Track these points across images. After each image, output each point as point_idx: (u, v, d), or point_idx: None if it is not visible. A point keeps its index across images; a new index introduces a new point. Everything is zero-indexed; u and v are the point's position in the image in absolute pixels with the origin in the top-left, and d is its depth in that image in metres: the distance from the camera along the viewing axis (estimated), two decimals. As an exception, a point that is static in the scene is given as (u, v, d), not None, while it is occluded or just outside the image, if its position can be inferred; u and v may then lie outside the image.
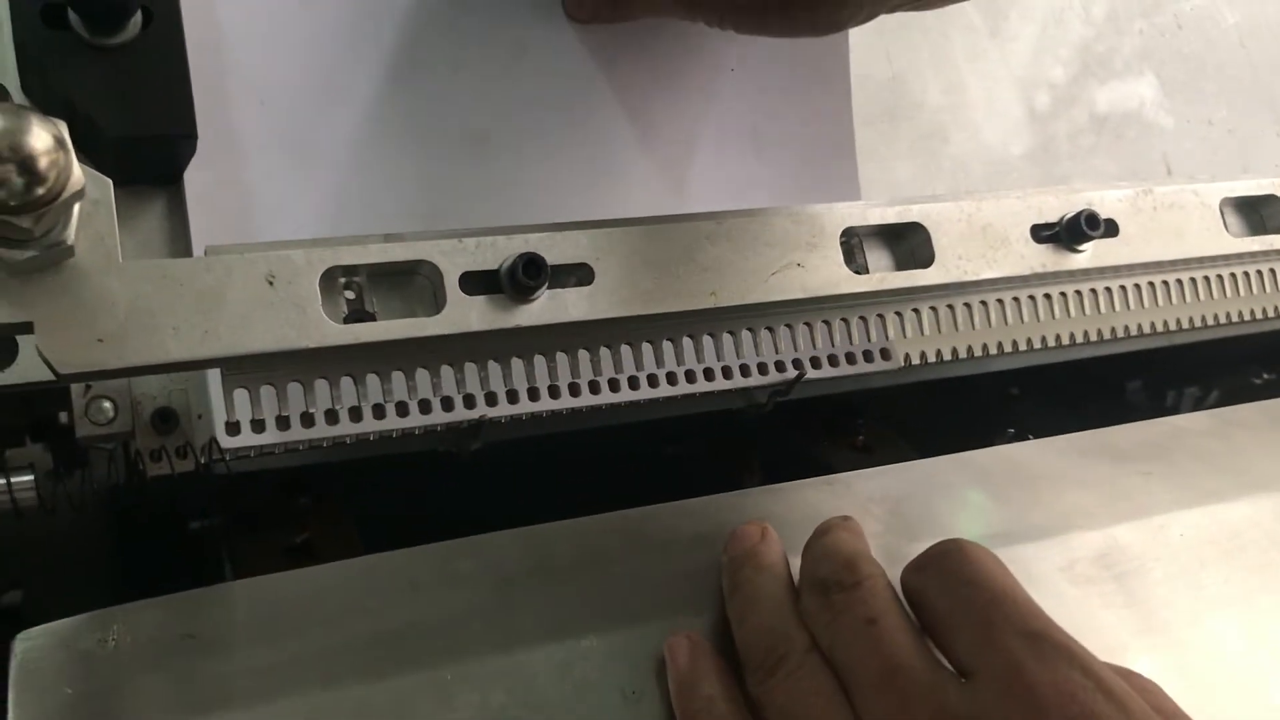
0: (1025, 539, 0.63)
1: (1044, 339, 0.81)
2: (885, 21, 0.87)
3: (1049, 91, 0.90)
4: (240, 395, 0.60)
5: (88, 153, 0.57)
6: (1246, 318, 0.88)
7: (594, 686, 0.52)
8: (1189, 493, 0.69)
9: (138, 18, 0.61)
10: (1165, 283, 0.82)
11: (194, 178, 0.66)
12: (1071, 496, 0.68)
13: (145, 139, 0.61)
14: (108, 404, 0.62)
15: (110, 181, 0.54)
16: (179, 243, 0.66)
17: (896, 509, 0.65)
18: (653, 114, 0.77)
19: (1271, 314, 0.89)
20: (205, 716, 0.49)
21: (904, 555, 0.61)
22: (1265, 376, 1.11)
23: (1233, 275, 0.85)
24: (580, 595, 0.57)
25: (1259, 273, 0.86)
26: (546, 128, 0.74)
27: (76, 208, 0.51)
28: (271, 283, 0.56)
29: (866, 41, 0.85)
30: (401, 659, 0.52)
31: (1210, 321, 0.87)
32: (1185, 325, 0.86)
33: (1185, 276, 0.83)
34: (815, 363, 0.75)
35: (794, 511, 0.63)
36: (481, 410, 0.67)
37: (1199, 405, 1.11)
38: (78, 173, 0.49)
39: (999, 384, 1.12)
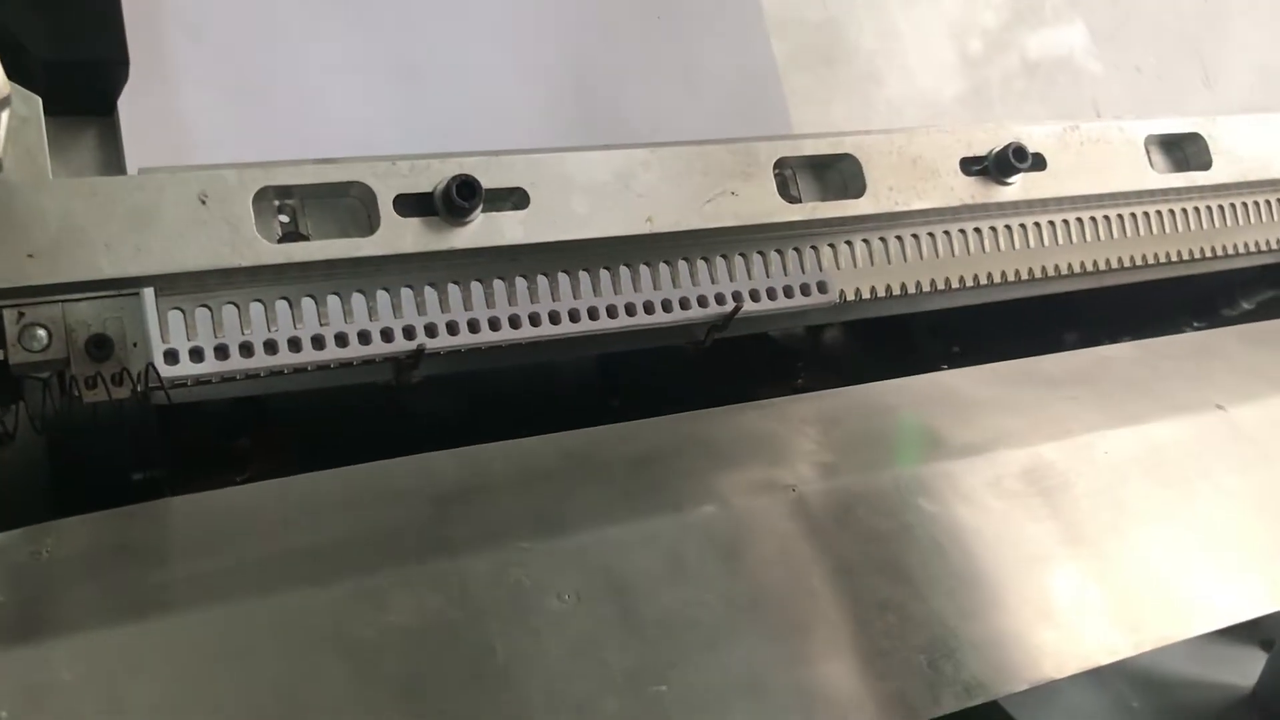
0: (953, 456, 0.65)
1: (976, 277, 0.82)
2: (820, -34, 0.89)
3: (981, 37, 0.91)
4: (175, 317, 0.60)
5: (18, 80, 0.57)
6: (1174, 259, 0.91)
7: (527, 591, 0.53)
8: (1114, 415, 0.71)
9: (67, -58, 0.61)
10: (1093, 219, 0.84)
11: (128, 109, 0.66)
12: (999, 418, 0.69)
13: (76, 63, 0.61)
14: (42, 331, 0.61)
15: (39, 98, 0.54)
16: (113, 172, 0.65)
17: (828, 430, 0.66)
18: (587, 53, 0.78)
19: (1197, 255, 0.92)
20: (137, 622, 0.49)
21: (835, 472, 0.62)
22: (1195, 325, 1.14)
23: (1158, 213, 0.87)
24: (516, 508, 0.58)
25: (1183, 211, 0.88)
26: (481, 62, 0.74)
27: (4, 121, 0.51)
28: (204, 201, 0.56)
29: (801, -14, 0.86)
30: (337, 567, 0.53)
31: (1138, 262, 0.89)
32: (1114, 265, 0.88)
33: (1113, 213, 0.85)
34: (754, 296, 0.75)
35: (728, 432, 0.64)
36: (421, 340, 0.67)
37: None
38: (2, 81, 0.49)
39: (942, 342, 1.14)
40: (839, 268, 0.76)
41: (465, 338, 0.68)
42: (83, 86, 0.63)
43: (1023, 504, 0.63)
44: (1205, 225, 0.89)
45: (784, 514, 0.58)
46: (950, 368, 1.00)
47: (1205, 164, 0.85)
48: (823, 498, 0.60)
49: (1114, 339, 1.14)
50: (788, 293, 0.77)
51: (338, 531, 0.55)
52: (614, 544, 0.56)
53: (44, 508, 0.79)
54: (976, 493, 0.63)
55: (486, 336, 0.68)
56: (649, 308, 0.72)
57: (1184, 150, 0.85)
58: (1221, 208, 0.90)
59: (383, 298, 0.64)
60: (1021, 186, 0.76)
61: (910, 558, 0.59)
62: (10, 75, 0.50)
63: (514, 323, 0.69)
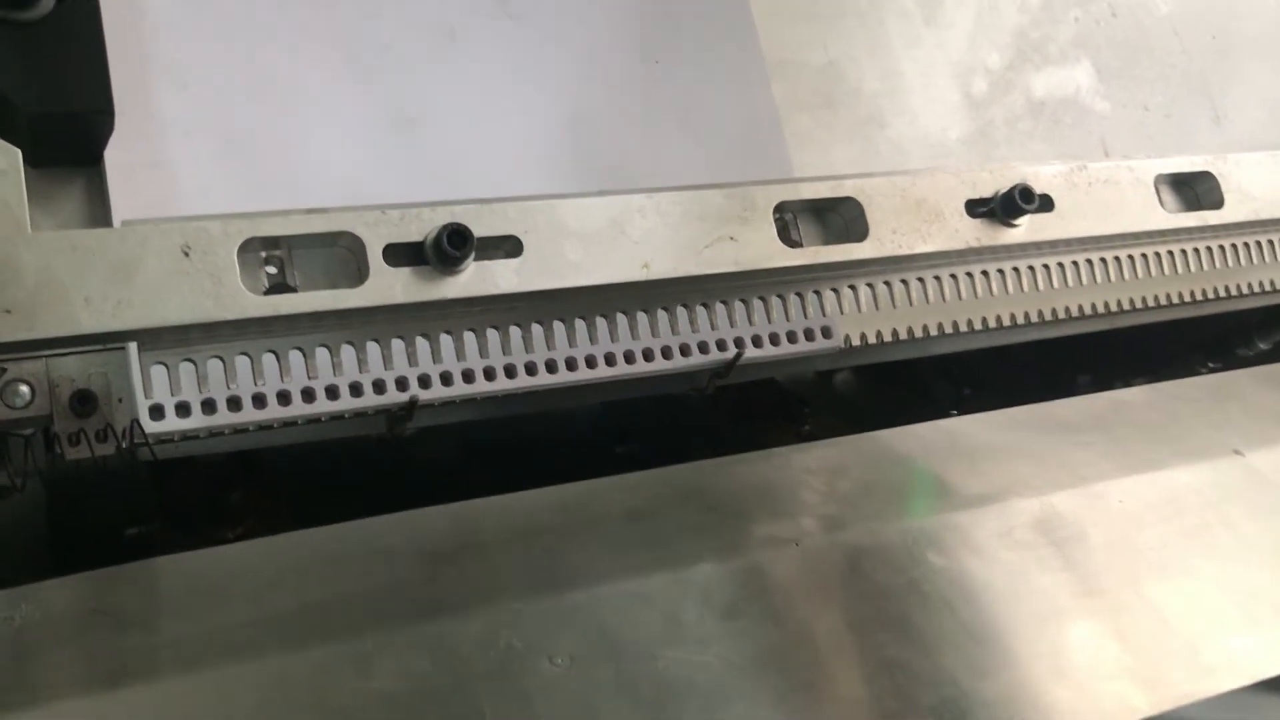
0: (962, 507, 0.63)
1: (984, 320, 0.81)
2: (820, 8, 0.88)
3: (985, 77, 0.90)
4: (158, 372, 0.59)
5: (3, 133, 0.56)
6: (1186, 299, 0.89)
7: (519, 654, 0.51)
8: (1128, 461, 0.69)
9: (53, -7, 0.60)
10: (1103, 260, 0.82)
11: (115, 161, 0.65)
12: (1010, 466, 0.67)
13: (61, 115, 0.60)
14: (24, 387, 0.60)
15: (19, 151, 0.53)
16: (100, 224, 0.64)
17: (833, 481, 0.64)
18: (583, 100, 0.77)
19: (1210, 295, 0.90)
20: (110, 690, 0.47)
21: (841, 524, 0.60)
22: (1210, 366, 1.12)
23: (1170, 253, 0.85)
24: (508, 566, 0.56)
25: (1195, 250, 0.86)
26: (476, 111, 0.73)
27: (-19, 174, 0.50)
28: (187, 254, 0.55)
29: (802, 28, 0.85)
30: (322, 630, 0.51)
31: (1150, 303, 0.87)
32: (1125, 306, 0.86)
33: (1123, 254, 0.83)
34: (756, 341, 0.74)
35: (733, 482, 0.63)
36: (414, 392, 0.65)
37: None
38: (-21, 134, 0.48)
39: (953, 387, 1.13)
40: (843, 312, 0.74)
41: (459, 388, 0.66)
42: (68, 138, 0.62)
43: (1035, 556, 0.61)
44: (1218, 265, 0.87)
45: (787, 570, 0.56)
46: (960, 411, 0.98)
47: (1217, 202, 0.83)
48: (827, 552, 0.58)
49: (1128, 381, 1.12)
50: (791, 338, 0.75)
51: (324, 592, 0.53)
52: (609, 603, 0.54)
53: (42, 562, 0.78)
54: (987, 545, 0.61)
55: (481, 387, 0.67)
56: (648, 355, 0.71)
57: (1195, 189, 0.83)
58: (1235, 246, 0.88)
59: (373, 349, 0.62)
60: (1029, 228, 0.74)
61: (918, 614, 0.57)
62: (-4, 128, 0.49)
63: (509, 372, 0.67)
